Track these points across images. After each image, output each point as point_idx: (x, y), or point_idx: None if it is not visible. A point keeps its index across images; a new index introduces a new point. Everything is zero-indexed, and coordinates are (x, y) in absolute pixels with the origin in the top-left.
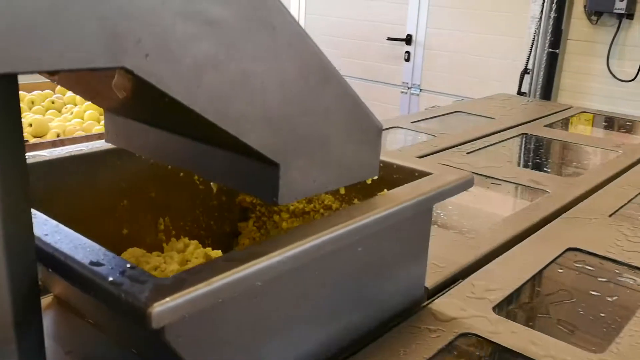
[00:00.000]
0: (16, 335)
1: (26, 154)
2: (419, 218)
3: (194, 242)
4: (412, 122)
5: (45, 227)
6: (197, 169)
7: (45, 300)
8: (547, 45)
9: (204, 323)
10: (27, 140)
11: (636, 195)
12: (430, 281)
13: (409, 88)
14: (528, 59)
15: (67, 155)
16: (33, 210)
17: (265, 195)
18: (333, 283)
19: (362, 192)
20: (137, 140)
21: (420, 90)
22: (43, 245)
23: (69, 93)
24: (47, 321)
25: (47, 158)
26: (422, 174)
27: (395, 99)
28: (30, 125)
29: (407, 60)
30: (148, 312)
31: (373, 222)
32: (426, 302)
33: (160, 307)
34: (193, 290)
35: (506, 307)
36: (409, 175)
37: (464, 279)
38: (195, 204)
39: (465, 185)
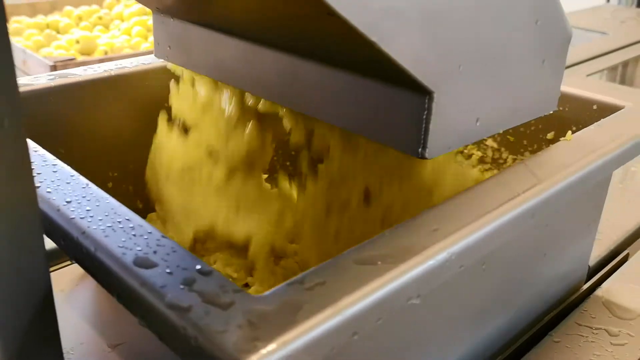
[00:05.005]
0: None
1: (47, 74)
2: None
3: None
4: None
5: (69, 188)
6: (291, 99)
7: None
8: None
9: None
10: (74, 58)
11: None
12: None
13: None
14: None
15: (105, 75)
16: (53, 159)
17: (405, 143)
18: (495, 275)
19: None
20: (200, 54)
21: None
22: (62, 221)
23: (117, 8)
24: (86, 298)
25: (76, 79)
26: (607, 108)
27: None
28: (78, 42)
29: None
30: None
31: (572, 185)
32: (587, 286)
33: None
34: (314, 325)
35: None
36: (582, 108)
37: (629, 249)
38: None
39: None
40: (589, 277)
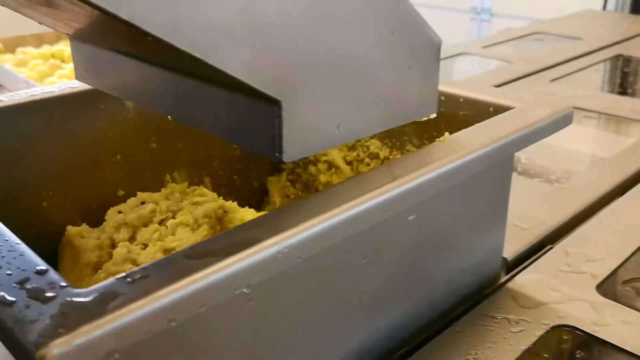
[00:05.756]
0: None
1: None
2: (497, 170)
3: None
4: (483, 47)
5: None
6: (180, 113)
7: None
8: None
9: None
10: None
11: None
12: (510, 250)
13: (478, 13)
14: None
15: (30, 99)
16: None
17: (265, 149)
18: (380, 268)
19: (419, 133)
20: (110, 76)
21: (492, 15)
22: None
23: None
24: None
25: (2, 104)
26: (500, 109)
27: (464, 27)
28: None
29: None
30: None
31: (428, 182)
32: (504, 279)
33: (60, 349)
34: (124, 314)
35: (615, 285)
36: (481, 111)
37: (554, 245)
38: (212, 154)
39: (561, 122)
40: (509, 271)
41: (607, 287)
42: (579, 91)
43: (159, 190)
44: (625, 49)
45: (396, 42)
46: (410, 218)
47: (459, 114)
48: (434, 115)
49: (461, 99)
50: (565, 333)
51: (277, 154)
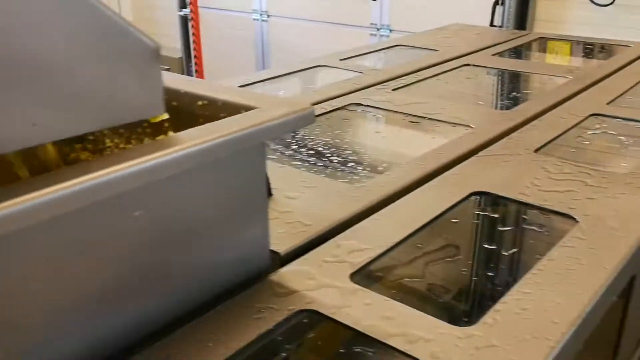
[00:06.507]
0: None
1: None
2: (235, 167)
3: None
4: (340, 60)
5: None
6: None
7: None
8: None
9: None
10: None
11: (575, 125)
12: (287, 245)
13: (378, 29)
14: None
15: None
16: None
17: None
18: (88, 265)
19: None
20: None
21: (391, 31)
22: None
23: None
24: None
25: None
26: (249, 110)
27: (365, 42)
28: None
29: None
30: None
31: (116, 180)
32: (275, 272)
33: None
34: None
35: (370, 272)
36: (235, 112)
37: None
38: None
39: (299, 121)
40: (284, 264)
41: (361, 275)
42: (416, 99)
43: None
44: (473, 59)
45: (95, 45)
46: (136, 214)
47: (220, 116)
48: (165, 116)
49: (220, 103)
50: (306, 317)
51: None
